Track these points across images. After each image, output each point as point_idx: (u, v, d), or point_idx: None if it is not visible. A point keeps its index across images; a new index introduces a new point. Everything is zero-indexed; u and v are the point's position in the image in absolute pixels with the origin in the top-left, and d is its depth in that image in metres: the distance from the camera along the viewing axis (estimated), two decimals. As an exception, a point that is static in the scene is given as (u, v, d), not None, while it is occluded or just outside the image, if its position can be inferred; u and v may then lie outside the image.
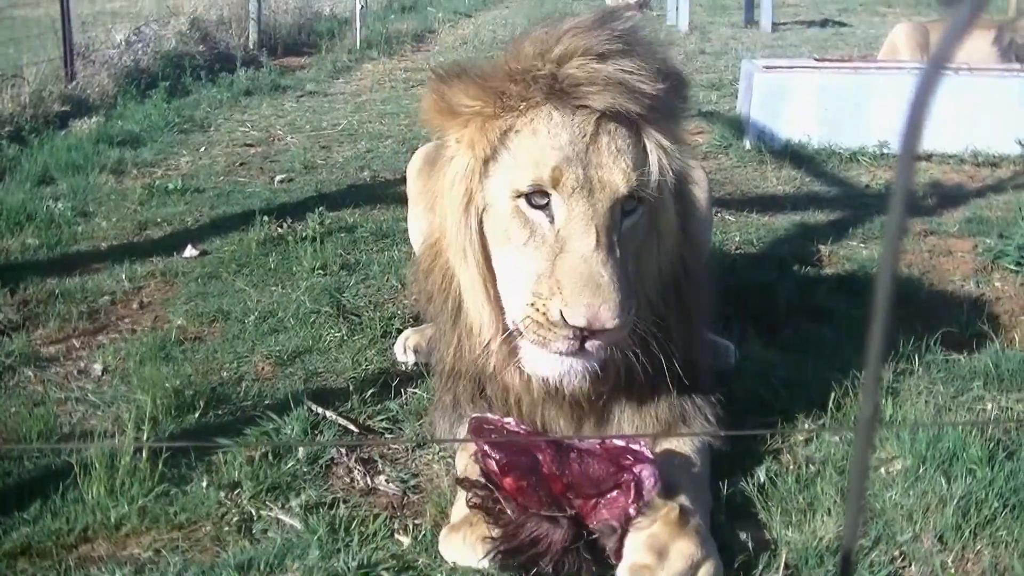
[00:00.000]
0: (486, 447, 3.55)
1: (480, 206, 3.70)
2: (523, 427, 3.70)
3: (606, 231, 3.50)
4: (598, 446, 3.57)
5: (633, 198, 3.63)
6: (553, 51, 3.58)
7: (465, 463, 3.85)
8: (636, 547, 3.39)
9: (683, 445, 3.98)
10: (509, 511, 3.50)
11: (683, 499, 3.58)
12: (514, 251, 3.62)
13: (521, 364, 3.75)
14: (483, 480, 3.55)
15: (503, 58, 3.79)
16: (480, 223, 3.72)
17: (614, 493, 3.46)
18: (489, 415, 3.78)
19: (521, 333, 3.63)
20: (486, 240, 3.74)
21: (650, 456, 3.52)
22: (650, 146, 3.70)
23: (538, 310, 3.48)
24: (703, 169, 5.35)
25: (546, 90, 3.57)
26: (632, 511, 3.43)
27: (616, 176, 3.55)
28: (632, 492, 3.43)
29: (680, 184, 3.97)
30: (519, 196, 3.59)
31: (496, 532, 3.49)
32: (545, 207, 3.56)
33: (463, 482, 3.60)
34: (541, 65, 3.58)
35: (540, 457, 3.50)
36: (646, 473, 3.45)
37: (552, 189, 3.53)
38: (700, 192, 5.05)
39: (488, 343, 3.85)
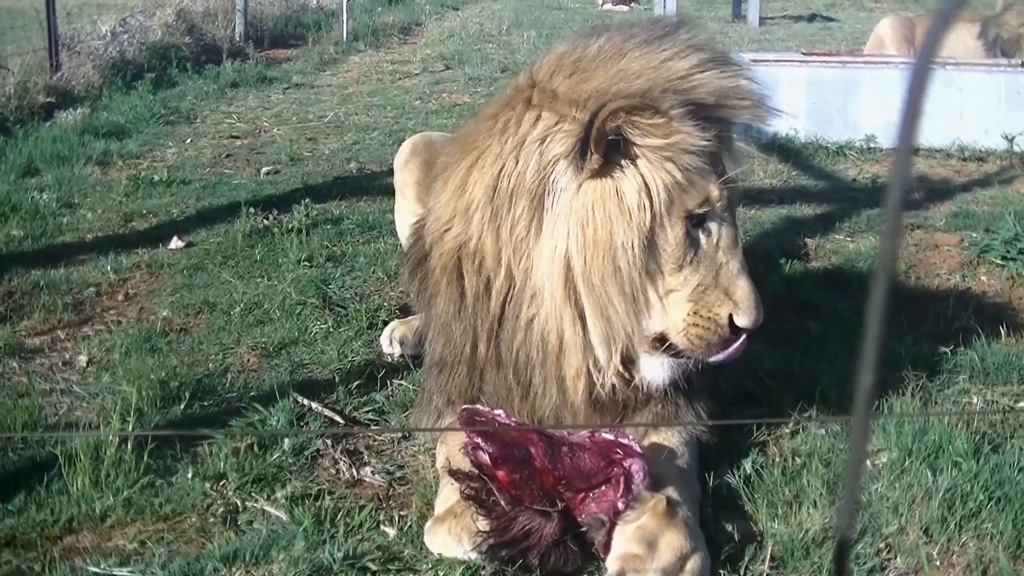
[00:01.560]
0: (478, 439, 3.55)
1: (656, 229, 3.64)
2: (513, 420, 3.68)
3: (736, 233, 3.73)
4: (588, 440, 3.57)
5: None
6: (682, 60, 3.64)
7: (447, 455, 3.84)
8: (625, 538, 3.39)
9: (671, 438, 3.99)
10: (503, 503, 3.50)
11: (671, 491, 3.58)
12: (686, 266, 3.66)
13: (639, 373, 3.85)
14: (476, 472, 3.55)
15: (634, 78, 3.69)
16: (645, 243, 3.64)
17: (603, 487, 3.47)
18: (480, 407, 3.76)
19: (673, 346, 3.73)
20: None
21: (638, 450, 3.52)
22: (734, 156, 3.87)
23: (704, 317, 3.63)
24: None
25: (690, 106, 3.58)
26: (620, 505, 3.43)
27: (737, 187, 3.76)
28: (621, 486, 3.44)
29: None
30: (687, 217, 3.61)
31: (488, 524, 3.49)
32: (703, 225, 3.64)
33: (456, 474, 3.59)
34: (680, 80, 3.61)
35: (533, 451, 3.50)
36: (636, 467, 3.45)
37: (709, 208, 3.62)
38: None
39: (588, 366, 3.82)
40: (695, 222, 3.61)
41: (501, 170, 3.74)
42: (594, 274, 3.62)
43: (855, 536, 3.75)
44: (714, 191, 3.59)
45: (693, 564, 3.39)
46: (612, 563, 3.37)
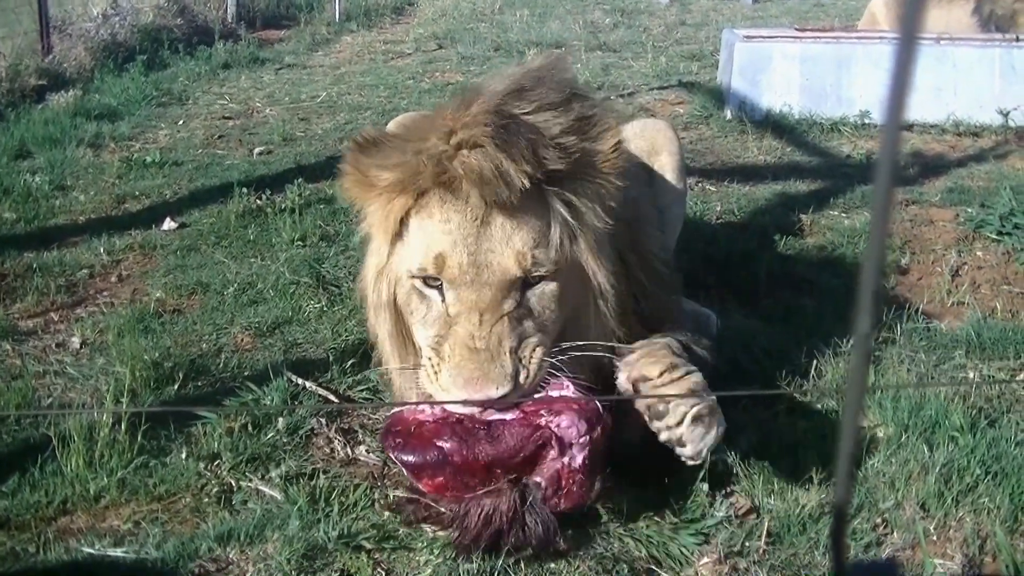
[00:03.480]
0: (393, 454, 3.55)
1: (392, 280, 3.76)
2: (436, 411, 3.62)
3: (493, 311, 3.52)
4: (517, 411, 3.52)
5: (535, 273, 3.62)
6: (455, 137, 3.53)
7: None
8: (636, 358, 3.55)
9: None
10: (447, 508, 3.50)
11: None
12: (417, 322, 3.69)
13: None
14: (408, 495, 3.62)
15: (420, 127, 3.75)
16: (394, 295, 3.77)
17: (540, 454, 3.43)
18: (404, 412, 3.70)
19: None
20: (398, 308, 3.80)
21: (575, 401, 3.48)
22: (553, 223, 3.64)
23: (434, 369, 3.56)
24: (677, 140, 5.30)
25: (435, 179, 3.54)
26: (565, 462, 3.40)
27: (507, 260, 3.53)
28: (555, 448, 3.40)
29: (625, 204, 3.97)
30: (412, 277, 3.64)
31: (450, 534, 3.48)
32: (439, 287, 3.60)
33: (393, 507, 3.68)
34: (438, 149, 3.52)
35: (446, 447, 3.46)
36: (565, 422, 3.41)
37: (438, 274, 3.56)
38: (670, 170, 5.09)
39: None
40: (428, 284, 3.61)
41: None
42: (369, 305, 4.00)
43: (852, 506, 3.75)
44: (442, 262, 3.54)
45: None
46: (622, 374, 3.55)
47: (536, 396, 3.53)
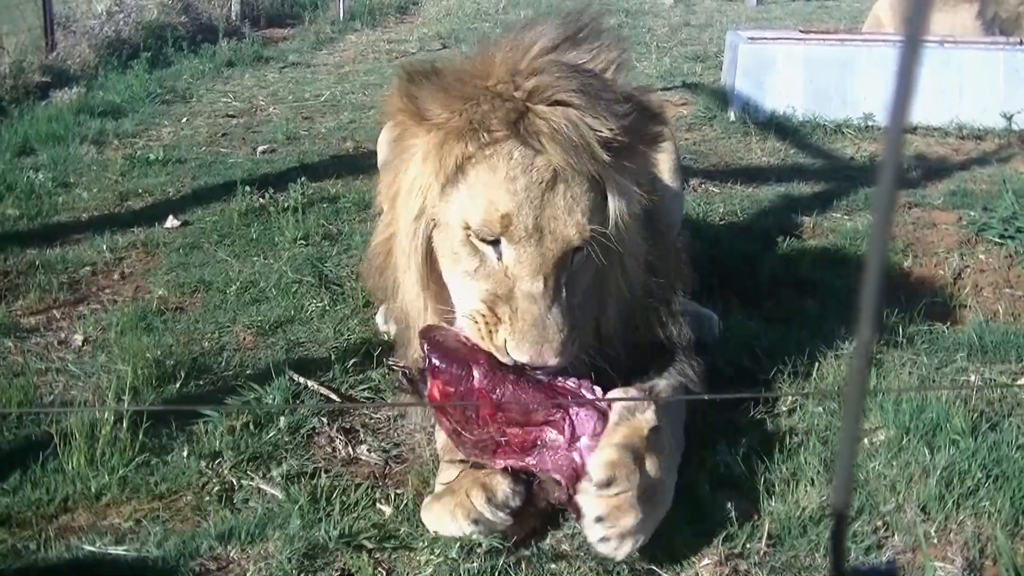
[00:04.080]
0: (430, 348, 3.55)
1: (431, 223, 3.68)
2: (471, 344, 3.63)
3: (554, 277, 3.52)
4: (545, 381, 3.54)
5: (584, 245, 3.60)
6: (524, 81, 3.50)
7: (446, 437, 3.87)
8: (612, 444, 3.39)
9: (660, 382, 3.96)
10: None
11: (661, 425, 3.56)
12: (464, 274, 3.63)
13: None
14: (411, 372, 3.69)
15: (474, 66, 3.69)
16: (429, 238, 3.70)
17: (547, 429, 3.43)
18: (444, 326, 3.72)
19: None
20: (434, 253, 3.74)
21: (599, 403, 3.48)
22: (611, 196, 3.64)
23: (487, 324, 3.53)
24: (673, 139, 5.28)
25: (511, 128, 3.48)
26: (577, 460, 3.40)
27: (569, 229, 3.52)
28: (567, 432, 3.41)
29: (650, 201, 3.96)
30: (467, 229, 3.57)
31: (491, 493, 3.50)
32: (495, 243, 3.55)
33: (394, 369, 3.80)
34: (509, 93, 3.49)
35: (476, 371, 3.47)
36: (584, 415, 3.42)
37: (501, 234, 3.51)
38: (666, 170, 5.05)
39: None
40: (483, 239, 3.54)
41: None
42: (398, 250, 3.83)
43: (851, 510, 3.75)
44: (500, 218, 3.48)
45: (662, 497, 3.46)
46: (598, 469, 3.33)
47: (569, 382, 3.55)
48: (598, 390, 3.53)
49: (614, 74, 3.68)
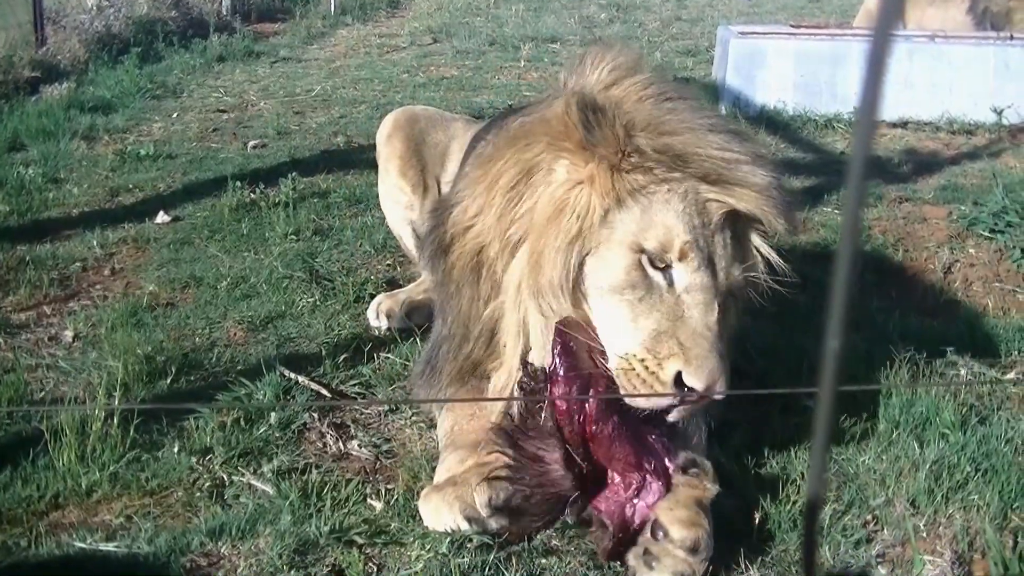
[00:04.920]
0: (559, 351, 3.50)
1: (586, 247, 3.55)
2: (604, 368, 3.61)
3: (722, 308, 3.51)
4: (640, 433, 3.50)
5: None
6: (688, 137, 3.54)
7: (453, 422, 3.89)
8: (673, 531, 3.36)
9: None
10: (521, 464, 3.51)
11: (706, 480, 3.54)
12: (626, 302, 3.51)
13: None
14: (531, 382, 3.59)
15: (632, 115, 3.59)
16: (582, 263, 3.57)
17: (618, 482, 3.44)
18: (582, 324, 3.61)
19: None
20: (582, 277, 3.60)
21: (669, 470, 3.47)
22: (756, 251, 3.75)
23: (647, 367, 3.42)
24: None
25: (701, 173, 3.52)
26: (628, 511, 3.40)
27: (735, 270, 3.58)
28: (631, 491, 3.41)
29: None
30: (641, 252, 3.48)
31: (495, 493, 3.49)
32: (664, 270, 3.48)
33: (525, 365, 3.66)
34: (685, 148, 3.51)
35: (591, 389, 3.46)
36: (656, 486, 3.41)
37: (677, 260, 3.47)
38: None
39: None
40: (654, 264, 3.47)
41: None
42: (528, 278, 3.65)
43: (827, 502, 3.76)
44: (680, 244, 3.45)
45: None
46: (678, 527, 3.33)
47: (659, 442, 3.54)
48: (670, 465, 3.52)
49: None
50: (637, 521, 3.39)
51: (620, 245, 3.49)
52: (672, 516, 3.34)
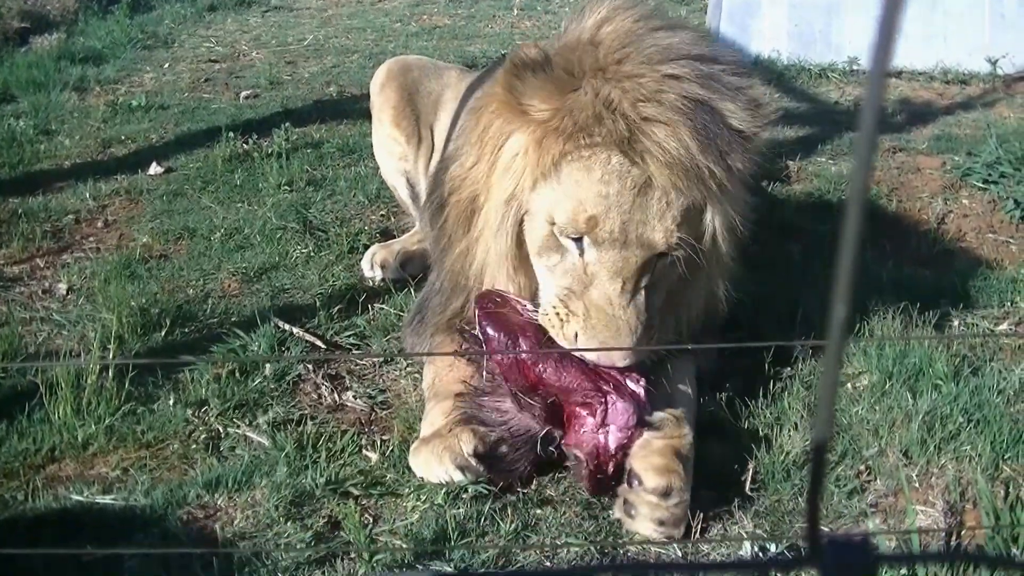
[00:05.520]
0: (483, 318, 3.61)
1: (522, 209, 3.65)
2: (528, 309, 3.68)
3: (634, 280, 3.50)
4: (587, 364, 3.55)
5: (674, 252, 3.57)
6: (642, 105, 3.44)
7: (435, 375, 3.89)
8: (647, 472, 3.42)
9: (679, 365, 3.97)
10: (489, 417, 3.54)
11: (685, 426, 3.59)
12: (546, 263, 3.64)
13: None
14: (476, 334, 3.65)
15: (584, 54, 3.59)
16: (520, 221, 3.68)
17: (581, 410, 3.46)
18: (502, 291, 3.76)
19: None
20: (522, 232, 3.71)
21: (637, 391, 3.50)
22: (709, 213, 3.64)
23: (560, 319, 3.55)
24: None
25: (617, 139, 3.44)
26: (601, 439, 3.43)
27: (656, 235, 3.49)
28: (598, 416, 3.42)
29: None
30: (552, 224, 3.56)
31: (480, 441, 3.52)
32: (579, 240, 3.53)
33: (460, 332, 3.74)
34: (623, 109, 3.44)
35: (523, 343, 3.52)
36: (620, 405, 3.43)
37: (585, 233, 3.49)
38: None
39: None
40: (567, 234, 3.53)
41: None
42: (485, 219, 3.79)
43: (833, 452, 3.78)
44: (585, 218, 3.47)
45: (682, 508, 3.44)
46: (651, 475, 3.39)
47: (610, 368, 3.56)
48: (642, 384, 3.54)
49: (732, 97, 3.61)
50: (613, 446, 3.44)
51: (539, 215, 3.61)
52: (646, 464, 3.41)
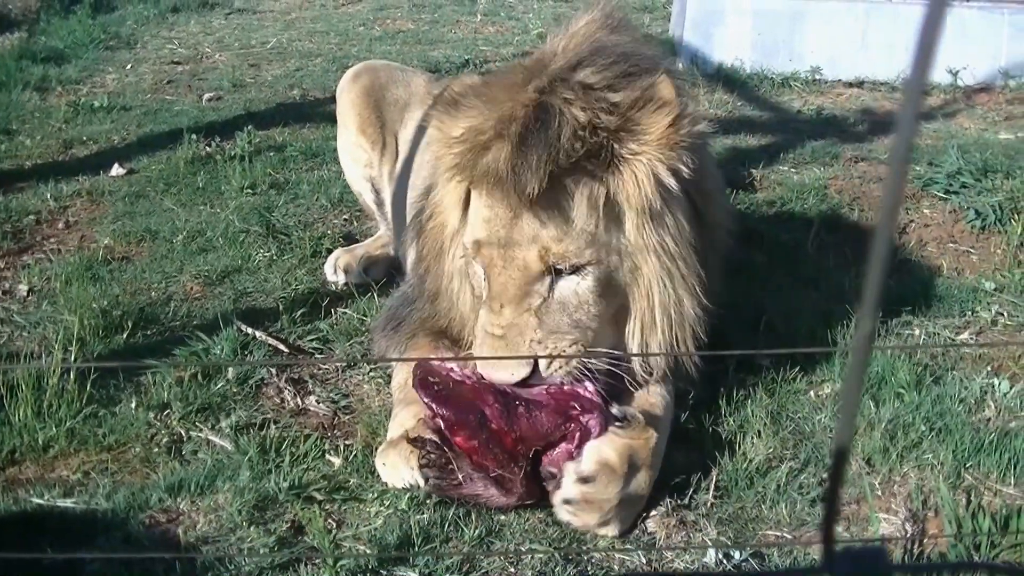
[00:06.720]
0: (433, 404, 3.53)
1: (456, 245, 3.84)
2: (467, 374, 3.64)
3: (515, 304, 3.51)
4: (545, 393, 3.53)
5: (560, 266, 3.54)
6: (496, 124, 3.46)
7: (404, 378, 3.89)
8: (608, 448, 3.44)
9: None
10: (462, 470, 3.49)
11: (653, 430, 3.58)
12: (467, 284, 3.83)
13: None
14: (435, 439, 3.53)
15: (487, 101, 3.57)
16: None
17: (562, 445, 3.46)
18: (434, 364, 3.71)
19: None
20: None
21: (597, 401, 3.50)
22: (576, 206, 3.52)
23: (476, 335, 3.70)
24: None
25: (473, 172, 3.49)
26: (575, 453, 3.44)
27: (531, 255, 3.48)
28: (576, 440, 3.43)
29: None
30: (466, 251, 3.70)
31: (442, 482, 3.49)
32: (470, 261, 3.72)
33: (415, 441, 3.55)
34: (483, 139, 3.45)
35: (488, 412, 3.47)
36: (592, 422, 3.43)
37: (473, 259, 3.65)
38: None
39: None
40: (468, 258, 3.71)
41: None
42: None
43: (801, 462, 3.80)
44: (477, 248, 3.57)
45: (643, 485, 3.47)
46: (588, 462, 3.40)
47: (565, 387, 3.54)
48: (592, 390, 3.53)
49: (609, 92, 3.54)
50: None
51: (459, 243, 3.80)
52: (593, 450, 3.44)
